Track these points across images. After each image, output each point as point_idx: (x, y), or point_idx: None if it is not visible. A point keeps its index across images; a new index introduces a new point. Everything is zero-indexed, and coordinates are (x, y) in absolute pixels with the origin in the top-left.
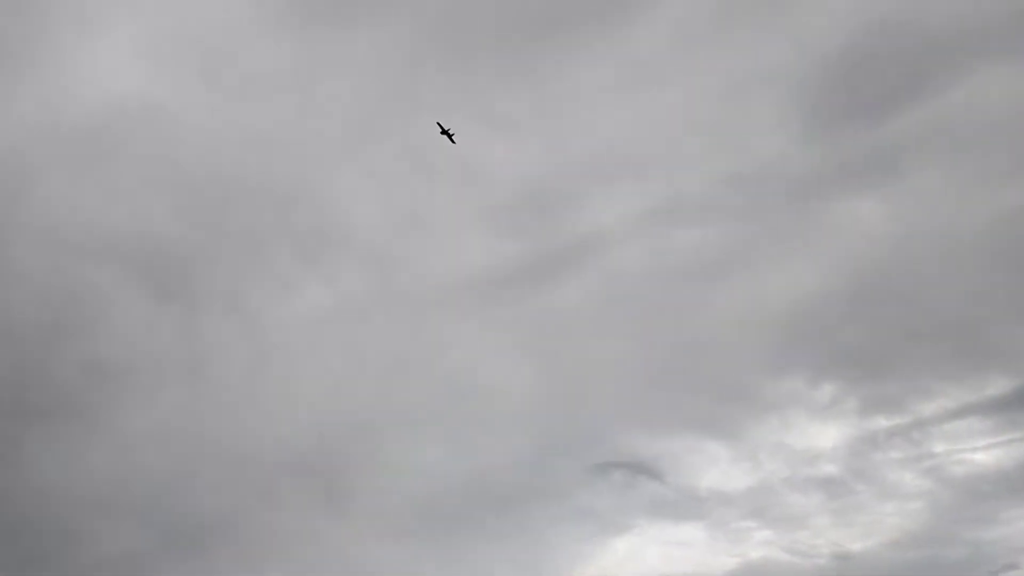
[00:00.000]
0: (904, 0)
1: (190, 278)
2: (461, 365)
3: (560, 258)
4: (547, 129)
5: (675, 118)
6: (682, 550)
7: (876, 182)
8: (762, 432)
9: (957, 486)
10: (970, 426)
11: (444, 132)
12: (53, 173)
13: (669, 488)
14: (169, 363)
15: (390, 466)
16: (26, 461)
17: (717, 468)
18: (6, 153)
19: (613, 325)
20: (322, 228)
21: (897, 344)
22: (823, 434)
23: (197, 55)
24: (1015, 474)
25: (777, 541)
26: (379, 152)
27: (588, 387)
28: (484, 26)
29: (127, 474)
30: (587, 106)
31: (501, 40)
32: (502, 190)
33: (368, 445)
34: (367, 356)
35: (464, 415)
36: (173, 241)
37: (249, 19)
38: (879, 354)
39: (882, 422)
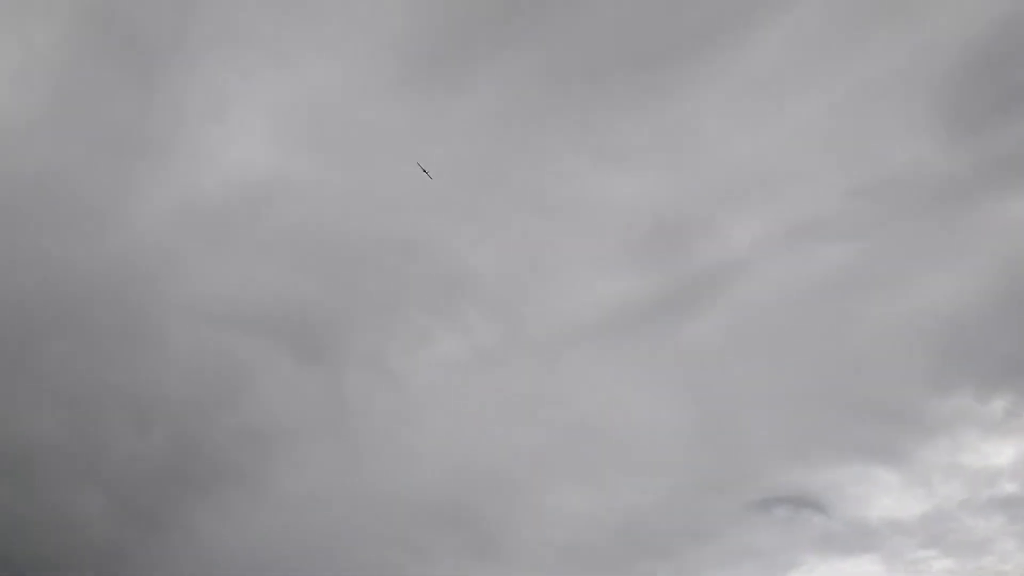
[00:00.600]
0: None
1: (330, 340)
2: (602, 406)
3: (695, 288)
4: (669, 157)
5: (804, 132)
6: None
7: None
8: (932, 454)
9: None
10: None
11: (423, 170)
12: (195, 253)
13: (836, 521)
14: (317, 424)
15: (537, 513)
16: (192, 528)
17: (887, 496)
18: (153, 239)
19: (758, 352)
20: (451, 279)
21: None
22: (999, 451)
23: (318, 126)
24: None
25: (960, 570)
26: (501, 198)
27: (738, 419)
28: (594, 61)
29: (282, 535)
30: (709, 129)
31: (613, 72)
32: (629, 224)
33: (513, 492)
34: (506, 402)
35: (608, 457)
36: (311, 306)
37: (363, 84)
38: None
39: None
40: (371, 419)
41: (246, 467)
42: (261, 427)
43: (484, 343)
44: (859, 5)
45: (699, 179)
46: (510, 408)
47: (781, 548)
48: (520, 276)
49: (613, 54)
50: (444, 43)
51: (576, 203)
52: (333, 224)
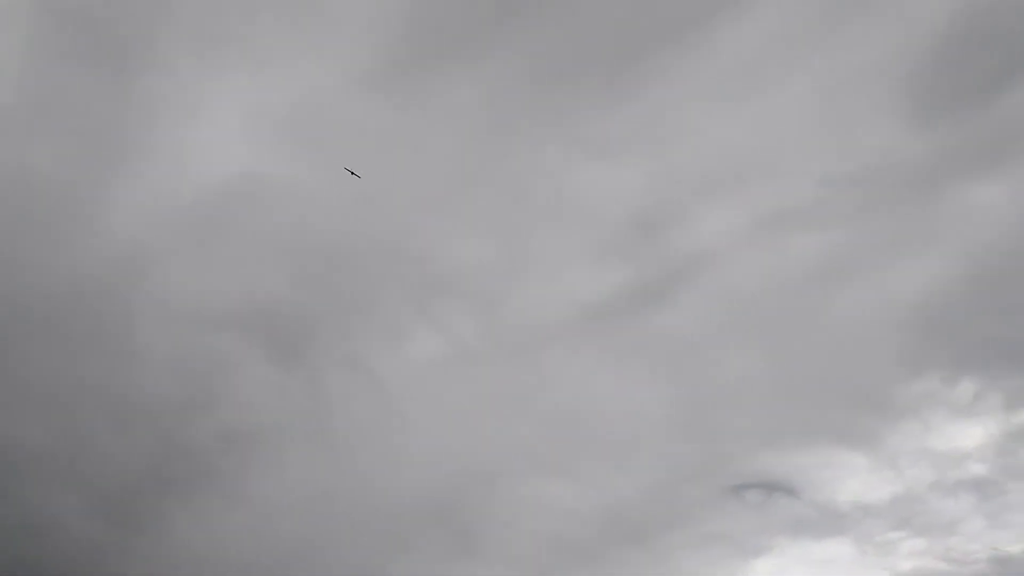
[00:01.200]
0: None
1: (308, 339)
2: (581, 397)
3: (673, 279)
4: (645, 150)
5: (777, 122)
6: (829, 568)
7: (996, 164)
8: (901, 438)
9: None
10: None
11: (351, 172)
12: (173, 254)
13: (808, 505)
14: (296, 425)
15: (519, 506)
16: (170, 529)
17: (857, 479)
18: (129, 241)
19: (733, 341)
20: (429, 276)
21: None
22: (967, 434)
23: (294, 125)
24: None
25: (929, 550)
26: (479, 196)
27: (714, 408)
28: (569, 56)
29: (265, 535)
30: (683, 121)
31: (588, 67)
32: (606, 217)
33: (495, 487)
34: (486, 397)
35: (588, 448)
36: (289, 306)
37: (337, 86)
38: (1020, 343)
39: None
40: (351, 418)
41: (225, 468)
42: (240, 428)
43: (463, 339)
44: None
45: (674, 171)
46: (490, 403)
47: (754, 532)
48: (498, 271)
49: (588, 49)
50: (420, 41)
51: (553, 197)
52: (310, 223)
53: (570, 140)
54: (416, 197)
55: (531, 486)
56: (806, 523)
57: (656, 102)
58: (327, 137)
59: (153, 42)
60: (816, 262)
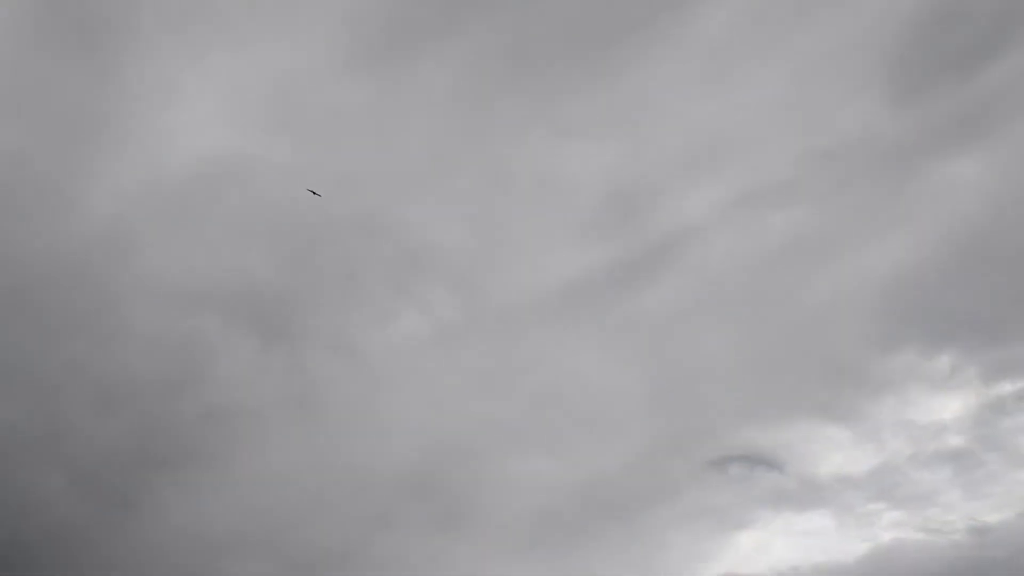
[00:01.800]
0: None
1: (292, 319)
2: (563, 374)
3: (652, 256)
4: (624, 129)
5: (753, 101)
6: (810, 539)
7: (971, 140)
8: (881, 411)
9: None
10: None
11: (312, 192)
12: (155, 234)
13: (790, 477)
14: (279, 402)
15: (503, 482)
16: (155, 507)
17: (838, 452)
18: (110, 221)
19: (713, 318)
20: (411, 255)
21: (1013, 305)
22: (945, 406)
23: (275, 105)
24: None
25: (908, 521)
26: (459, 175)
27: (695, 383)
28: (547, 36)
29: (250, 512)
30: (662, 100)
31: (566, 47)
32: (585, 196)
33: (478, 463)
34: (469, 375)
35: (571, 424)
36: (272, 285)
37: (317, 66)
38: (995, 317)
39: (1007, 387)
40: (335, 396)
41: (211, 447)
42: (225, 406)
43: (446, 317)
44: None
45: (653, 149)
46: (473, 381)
47: (736, 505)
48: (480, 250)
49: (566, 29)
50: (399, 19)
51: (534, 177)
52: (292, 203)
53: (549, 119)
54: (397, 177)
55: (514, 462)
56: (788, 496)
57: (634, 81)
58: (308, 117)
59: (132, 22)
60: (794, 239)
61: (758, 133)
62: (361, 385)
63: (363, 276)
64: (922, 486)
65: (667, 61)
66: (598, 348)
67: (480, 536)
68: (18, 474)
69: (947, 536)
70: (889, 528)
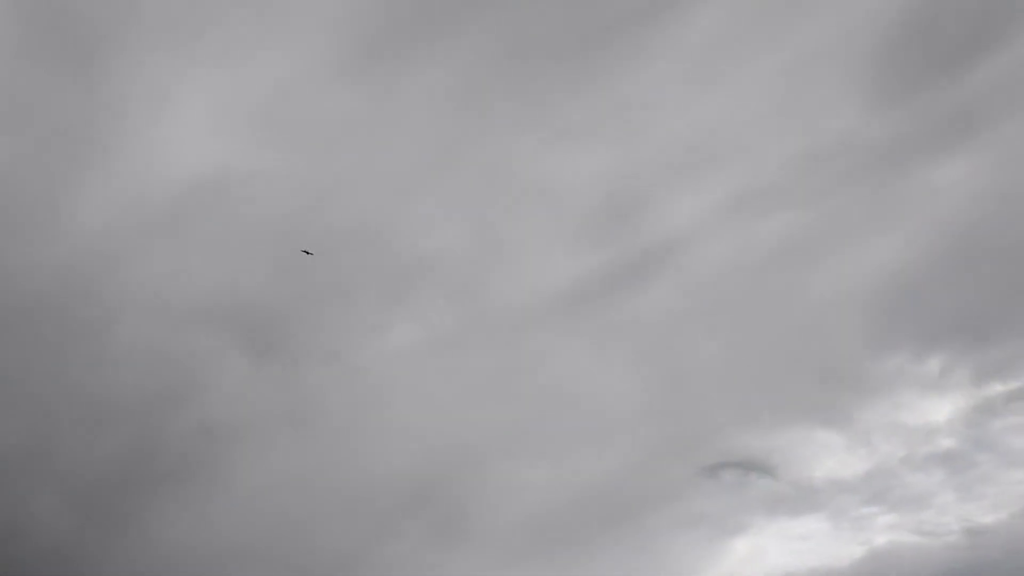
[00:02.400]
0: None
1: (285, 332)
2: (559, 381)
3: (646, 261)
4: (617, 134)
5: (743, 105)
6: (805, 544)
7: (958, 141)
8: (873, 414)
9: None
10: None
11: (305, 252)
12: (146, 249)
13: (784, 482)
14: (276, 416)
15: (500, 490)
16: (155, 523)
17: (831, 456)
18: (98, 235)
19: (707, 322)
20: (406, 265)
21: (1002, 306)
22: (937, 408)
23: (266, 116)
24: None
25: (903, 524)
26: (453, 181)
27: (689, 388)
28: (539, 45)
29: (249, 526)
30: (654, 105)
31: (559, 53)
32: (579, 201)
33: (476, 471)
34: (464, 384)
35: (567, 431)
36: (265, 299)
37: (308, 75)
38: (985, 318)
39: (998, 388)
40: (332, 408)
41: (205, 462)
42: (219, 421)
43: (442, 325)
44: None
45: (646, 154)
46: (470, 389)
47: (731, 511)
48: (474, 257)
49: (559, 34)
50: (390, 26)
51: (528, 183)
52: (284, 215)
53: (542, 125)
54: (390, 185)
55: (512, 470)
56: (782, 500)
57: (626, 86)
58: (299, 127)
59: (121, 36)
60: (785, 243)
61: (748, 137)
62: (357, 396)
63: (357, 287)
64: (916, 489)
65: (658, 66)
66: (593, 354)
67: (479, 543)
68: (12, 492)
69: (942, 538)
70: (884, 531)
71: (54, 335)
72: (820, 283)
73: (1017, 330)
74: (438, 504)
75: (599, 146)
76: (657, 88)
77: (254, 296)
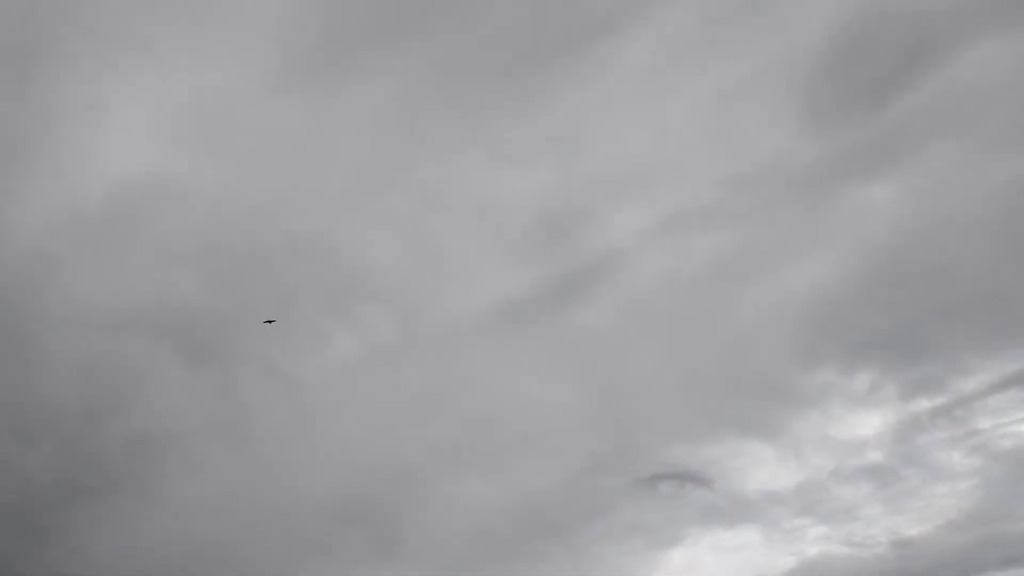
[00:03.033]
0: None
1: (220, 343)
2: (495, 395)
3: (581, 278)
4: (553, 155)
5: (676, 128)
6: (738, 554)
7: (883, 165)
8: (804, 427)
9: (1007, 460)
10: (1012, 398)
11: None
12: (75, 258)
13: (718, 494)
14: (210, 428)
15: (436, 504)
16: (82, 539)
17: (764, 469)
18: (28, 244)
19: (641, 338)
20: (344, 279)
21: (928, 324)
22: (865, 423)
23: (203, 125)
24: None
25: (833, 535)
26: (392, 198)
27: (626, 401)
28: (480, 64)
29: (182, 541)
30: (592, 125)
31: (498, 75)
32: (517, 219)
33: (412, 486)
34: (402, 399)
35: (503, 444)
36: (200, 309)
37: (247, 86)
38: (911, 336)
39: (924, 403)
40: (266, 421)
41: (137, 473)
42: (151, 432)
43: (379, 339)
44: (722, 8)
45: (584, 172)
46: (408, 404)
47: (667, 522)
48: (413, 272)
49: (497, 55)
50: (331, 38)
51: (466, 199)
52: (219, 225)
53: (482, 141)
54: (327, 199)
55: (449, 484)
56: (717, 512)
57: (565, 106)
58: (236, 138)
59: (55, 42)
60: (718, 260)
61: (683, 159)
62: (294, 409)
63: (295, 298)
64: (844, 501)
65: (596, 87)
66: (531, 368)
67: (414, 558)
68: None
69: (870, 550)
70: (815, 543)
71: None
72: (753, 299)
73: (942, 348)
74: (375, 519)
75: (538, 163)
76: (595, 109)
77: (190, 305)
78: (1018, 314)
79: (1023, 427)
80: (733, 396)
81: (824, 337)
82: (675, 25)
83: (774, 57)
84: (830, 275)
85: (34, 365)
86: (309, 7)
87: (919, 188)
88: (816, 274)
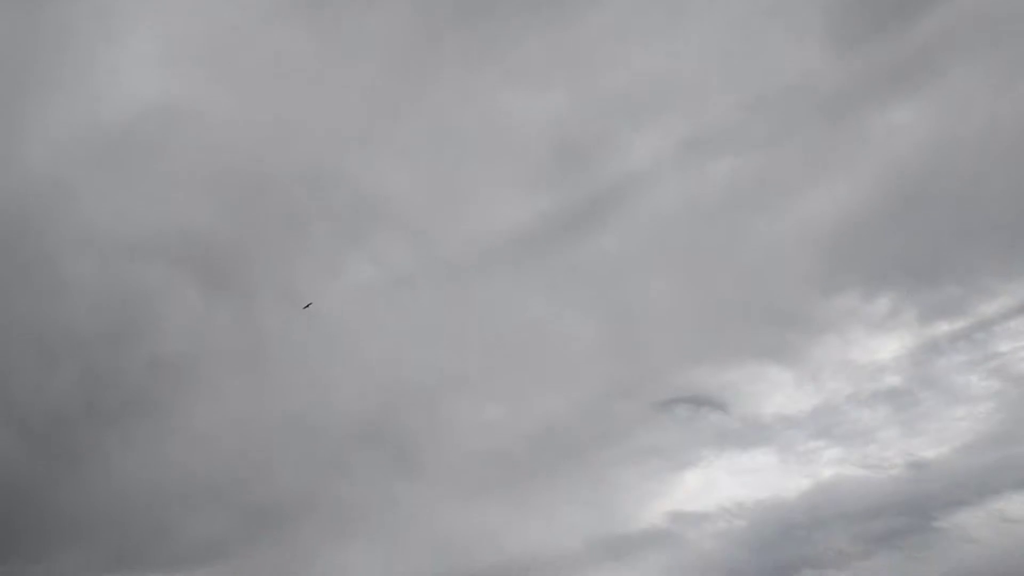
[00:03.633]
0: None
1: (238, 269)
2: (512, 321)
3: (599, 203)
4: (570, 76)
5: (697, 47)
6: (753, 476)
7: (909, 88)
8: (822, 352)
9: None
10: None
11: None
12: (91, 182)
13: (734, 418)
14: (229, 353)
15: (455, 426)
16: (106, 462)
17: (780, 393)
18: (45, 166)
19: (660, 264)
20: (360, 205)
21: (950, 247)
22: (884, 347)
23: (217, 51)
24: None
25: (848, 458)
26: (406, 122)
27: (643, 328)
28: None
29: (204, 464)
30: (608, 46)
31: None
32: (533, 143)
33: (431, 410)
34: (418, 324)
35: (520, 369)
36: (217, 234)
37: (264, 10)
38: (932, 260)
39: (943, 327)
40: (284, 346)
41: (159, 397)
42: (171, 357)
43: (395, 267)
44: None
45: (602, 96)
46: (424, 330)
47: (683, 445)
48: (429, 199)
49: None
50: None
51: (482, 125)
52: (235, 149)
53: (497, 66)
54: (341, 125)
55: (467, 408)
56: (732, 435)
57: (581, 28)
58: (249, 63)
59: None
60: (737, 185)
61: (703, 81)
62: (311, 334)
63: (310, 226)
64: (861, 424)
65: (614, 8)
66: (548, 295)
67: (435, 480)
68: None
69: (885, 472)
70: (830, 464)
71: (2, 272)
72: (773, 224)
73: (963, 272)
74: (394, 442)
75: (553, 88)
76: (613, 30)
77: (206, 231)
78: None
79: None
80: (751, 321)
81: (845, 262)
82: None
83: None
84: (853, 198)
85: (55, 291)
86: None
87: (944, 110)
88: (838, 198)
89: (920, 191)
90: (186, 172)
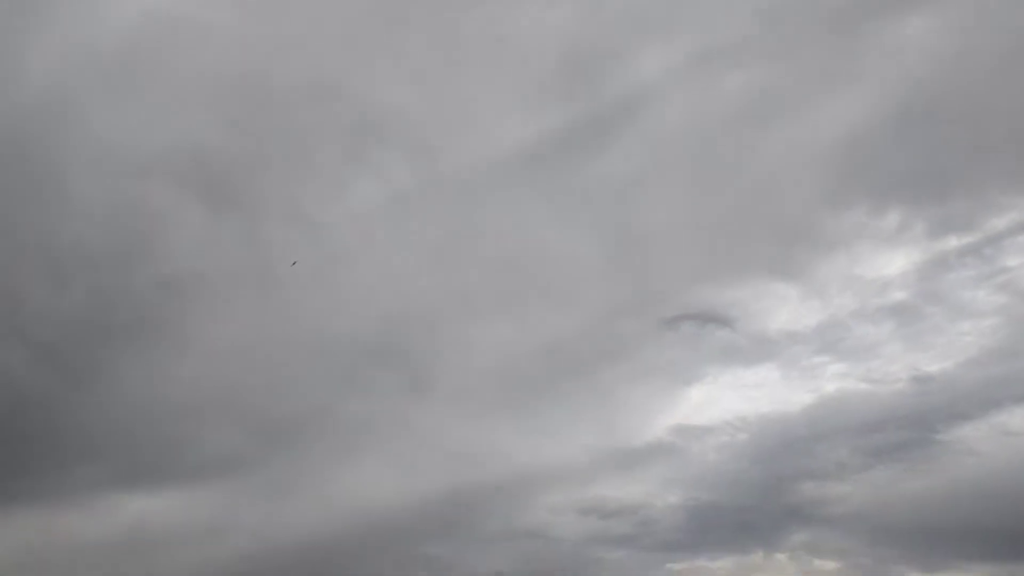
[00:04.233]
0: None
1: (244, 186)
2: (517, 240)
3: (606, 119)
4: None
5: None
6: (757, 391)
7: None
8: (829, 268)
9: None
10: None
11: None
12: (94, 98)
13: (739, 334)
14: (234, 271)
15: (461, 346)
16: (117, 379)
17: (786, 309)
18: (47, 83)
19: (666, 180)
20: (364, 122)
21: (960, 162)
22: (891, 262)
23: None
24: None
25: (851, 373)
26: (411, 38)
27: (649, 245)
28: None
29: (215, 381)
30: None
31: None
32: (538, 58)
33: (440, 328)
34: (423, 243)
35: (526, 289)
36: (223, 151)
37: None
38: (943, 174)
39: (952, 242)
40: (291, 265)
41: (167, 316)
42: (179, 276)
43: (401, 184)
44: None
45: (608, 7)
46: (430, 249)
47: (688, 361)
48: (433, 115)
49: None
50: None
51: (486, 38)
52: (238, 65)
53: None
54: (345, 40)
55: (474, 327)
56: (737, 351)
57: None
58: None
59: None
60: (745, 99)
61: None
62: (318, 253)
63: (314, 143)
64: (866, 339)
65: None
66: (554, 213)
67: (444, 398)
68: None
69: (889, 386)
70: (833, 379)
71: (6, 189)
72: (779, 139)
73: (973, 187)
74: (402, 361)
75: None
76: None
77: (210, 149)
78: None
79: None
80: (758, 239)
81: (853, 176)
82: None
83: None
84: (861, 112)
85: (60, 208)
86: None
87: (955, 22)
88: (847, 111)
89: (931, 105)
90: (189, 87)
